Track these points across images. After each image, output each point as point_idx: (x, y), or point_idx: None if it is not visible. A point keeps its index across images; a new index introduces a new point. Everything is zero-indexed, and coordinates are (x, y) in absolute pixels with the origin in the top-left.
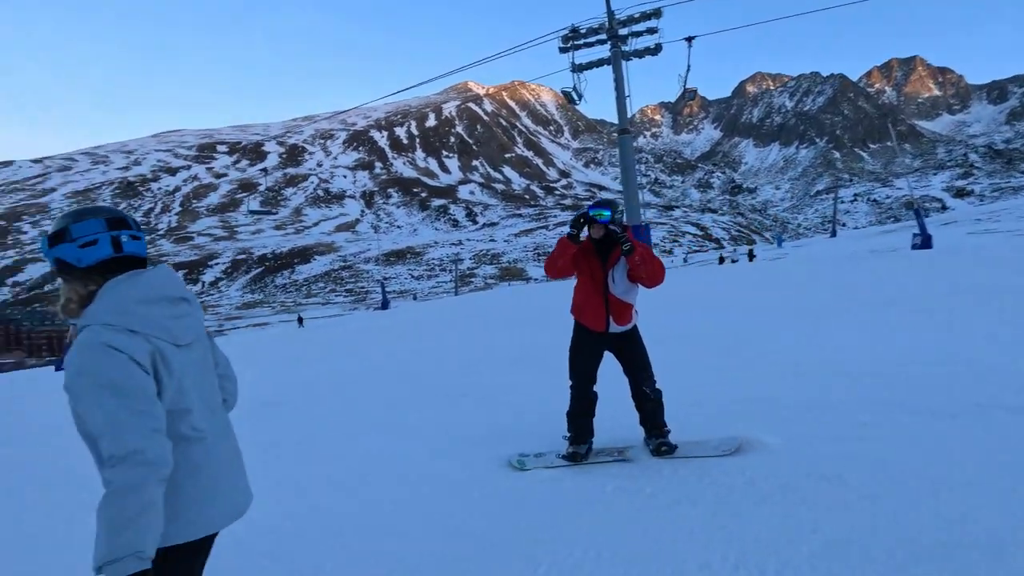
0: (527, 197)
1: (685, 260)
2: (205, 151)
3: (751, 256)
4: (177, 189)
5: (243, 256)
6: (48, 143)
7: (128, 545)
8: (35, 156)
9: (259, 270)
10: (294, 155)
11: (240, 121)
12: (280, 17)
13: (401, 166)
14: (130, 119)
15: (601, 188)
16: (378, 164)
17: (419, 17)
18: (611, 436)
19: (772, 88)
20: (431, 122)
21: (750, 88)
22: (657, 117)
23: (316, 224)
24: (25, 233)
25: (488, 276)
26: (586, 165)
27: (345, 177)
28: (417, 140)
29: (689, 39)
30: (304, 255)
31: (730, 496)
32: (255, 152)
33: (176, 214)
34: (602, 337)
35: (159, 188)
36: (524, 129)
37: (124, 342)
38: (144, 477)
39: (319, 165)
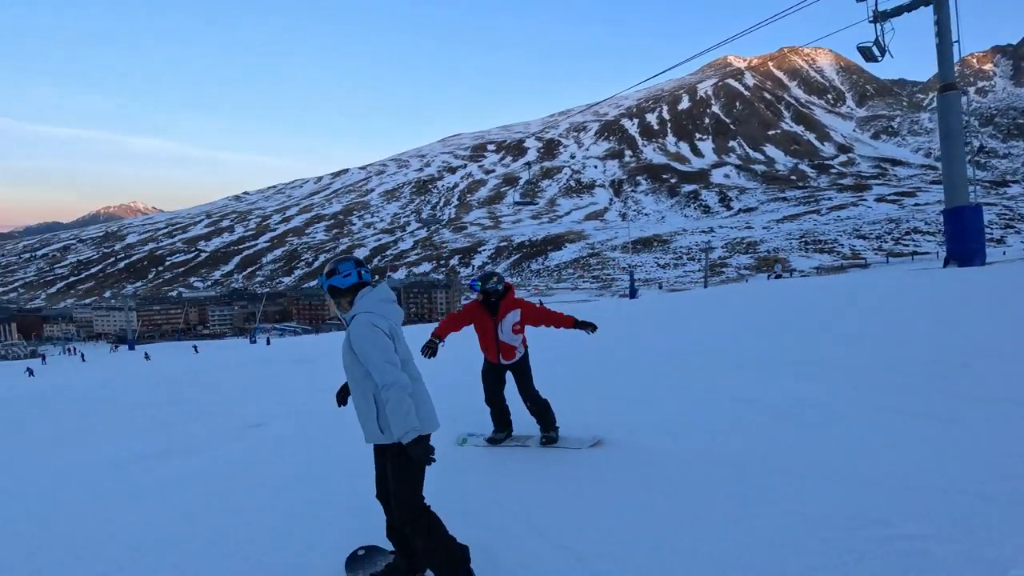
0: (793, 178)
1: None
2: (478, 151)
3: None
4: (456, 186)
5: (505, 243)
6: (371, 152)
7: (410, 423)
8: (361, 164)
9: (518, 256)
10: (550, 149)
11: (506, 122)
12: (537, 22)
13: (651, 153)
14: (423, 127)
15: (896, 163)
16: (627, 152)
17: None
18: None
19: None
20: (684, 104)
21: None
22: (988, 67)
23: (568, 213)
24: (354, 225)
25: (742, 267)
26: (875, 136)
27: (595, 167)
28: (668, 125)
29: None
30: (556, 242)
31: (576, 469)
32: (517, 149)
33: (455, 207)
34: (498, 366)
35: (443, 185)
36: (793, 101)
37: (379, 320)
38: (404, 391)
39: (572, 157)
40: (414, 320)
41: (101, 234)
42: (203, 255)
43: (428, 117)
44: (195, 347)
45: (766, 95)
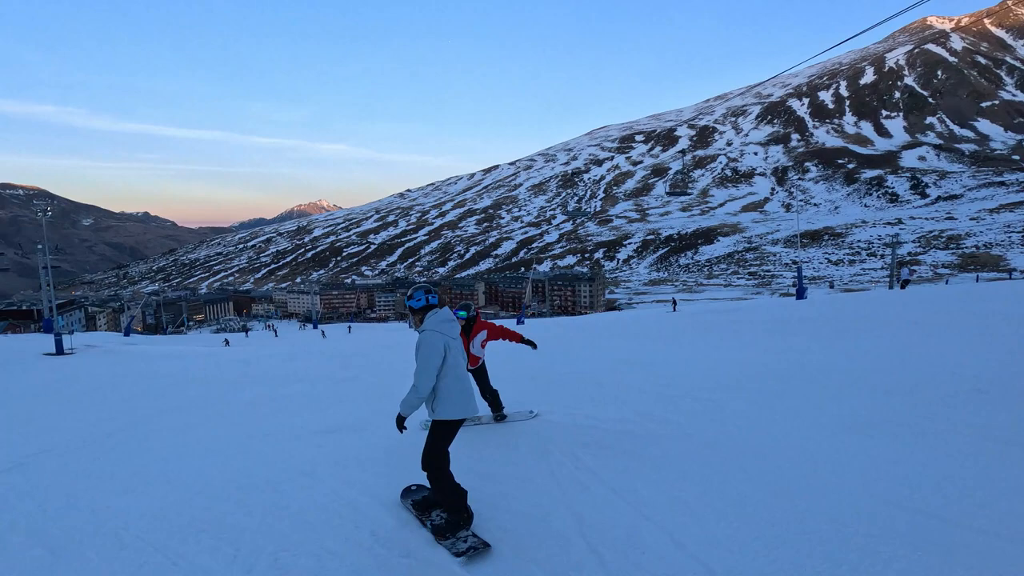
0: (1016, 158)
1: None
2: (625, 142)
3: None
4: (602, 178)
5: (651, 236)
6: (520, 148)
7: (407, 409)
8: (510, 160)
9: (665, 250)
10: (704, 136)
11: (656, 111)
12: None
13: (823, 135)
14: (571, 122)
15: None
16: (795, 136)
17: None
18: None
19: None
20: (867, 78)
21: None
22: None
23: (722, 205)
24: (503, 218)
25: (940, 264)
26: None
27: (756, 154)
28: (846, 102)
29: None
30: (708, 236)
31: (519, 436)
32: (667, 138)
33: (601, 199)
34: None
35: (589, 178)
36: (1019, 64)
37: (436, 338)
38: (418, 394)
39: (728, 144)
40: (557, 312)
41: (294, 228)
42: (372, 247)
43: (575, 111)
44: (349, 327)
45: (980, 59)
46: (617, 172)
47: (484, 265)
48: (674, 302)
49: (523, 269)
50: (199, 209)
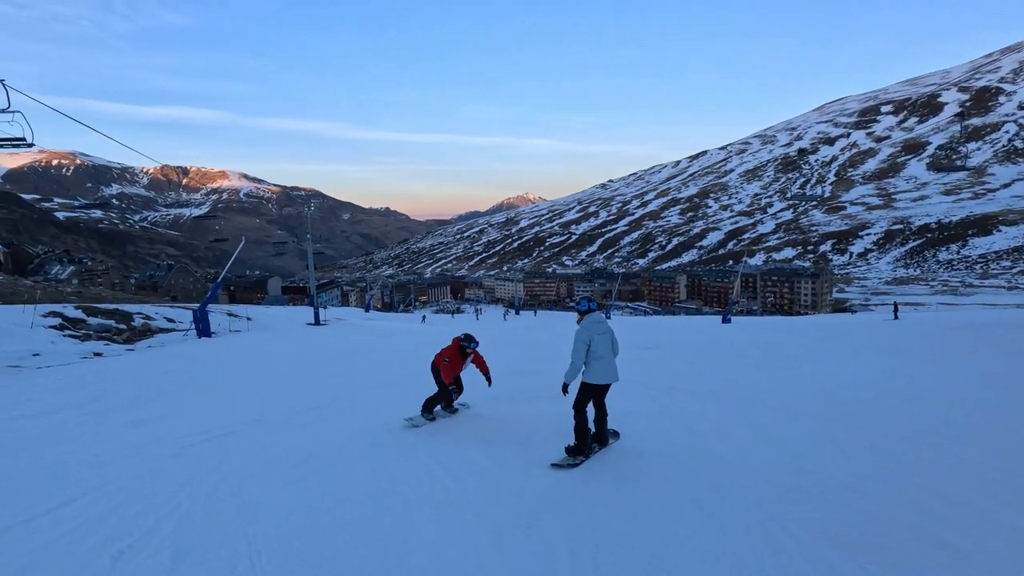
0: None
1: None
2: (867, 115)
3: None
4: (834, 159)
5: (899, 226)
6: (732, 131)
7: (568, 378)
8: (721, 144)
9: (918, 242)
10: (982, 100)
11: (911, 74)
12: None
13: None
14: (794, 98)
15: None
16: None
17: None
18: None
19: None
20: None
21: None
22: None
23: (1006, 186)
24: (710, 207)
25: None
26: None
27: None
28: None
29: None
30: (983, 224)
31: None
32: (926, 106)
33: (830, 184)
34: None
35: (816, 160)
36: None
37: (584, 334)
38: (574, 367)
39: (1020, 108)
40: (770, 311)
41: (503, 220)
42: (573, 237)
43: (799, 85)
44: (534, 311)
45: None
46: (854, 151)
47: (687, 257)
48: (895, 308)
49: (731, 262)
50: (427, 203)
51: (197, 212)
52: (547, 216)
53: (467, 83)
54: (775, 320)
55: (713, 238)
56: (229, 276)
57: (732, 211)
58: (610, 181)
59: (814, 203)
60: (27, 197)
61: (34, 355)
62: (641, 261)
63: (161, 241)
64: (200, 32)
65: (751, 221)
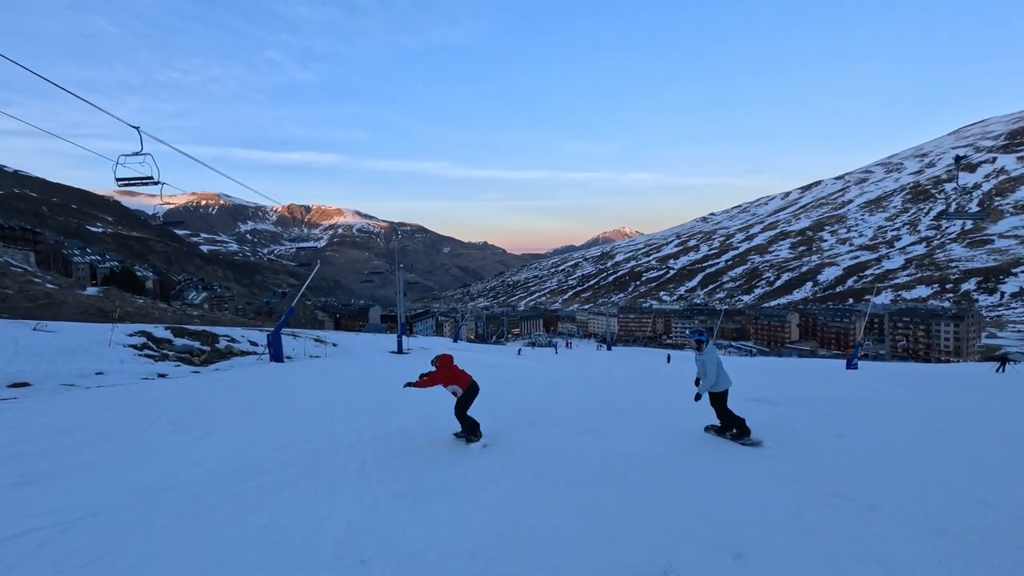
0: None
1: None
2: (1016, 138)
3: None
4: (976, 187)
5: None
6: (849, 160)
7: (704, 388)
8: (837, 174)
9: None
10: None
11: None
12: None
13: None
14: (926, 122)
15: None
16: None
17: None
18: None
19: None
20: None
21: None
22: None
23: None
24: (825, 241)
25: None
26: None
27: None
28: None
29: None
30: None
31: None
32: None
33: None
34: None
35: (953, 188)
36: None
37: (716, 352)
38: (708, 381)
39: None
40: (901, 357)
41: (598, 254)
42: (671, 272)
43: (931, 109)
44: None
45: None
46: (1002, 177)
47: (798, 294)
48: (1003, 360)
49: (851, 300)
50: (523, 238)
51: (316, 245)
52: (644, 250)
53: (568, 122)
54: (914, 368)
55: (829, 274)
56: (336, 304)
57: (851, 245)
58: (711, 214)
59: (983, 218)
60: (180, 232)
61: (97, 373)
62: (746, 298)
63: (284, 272)
64: (325, 86)
65: (875, 256)
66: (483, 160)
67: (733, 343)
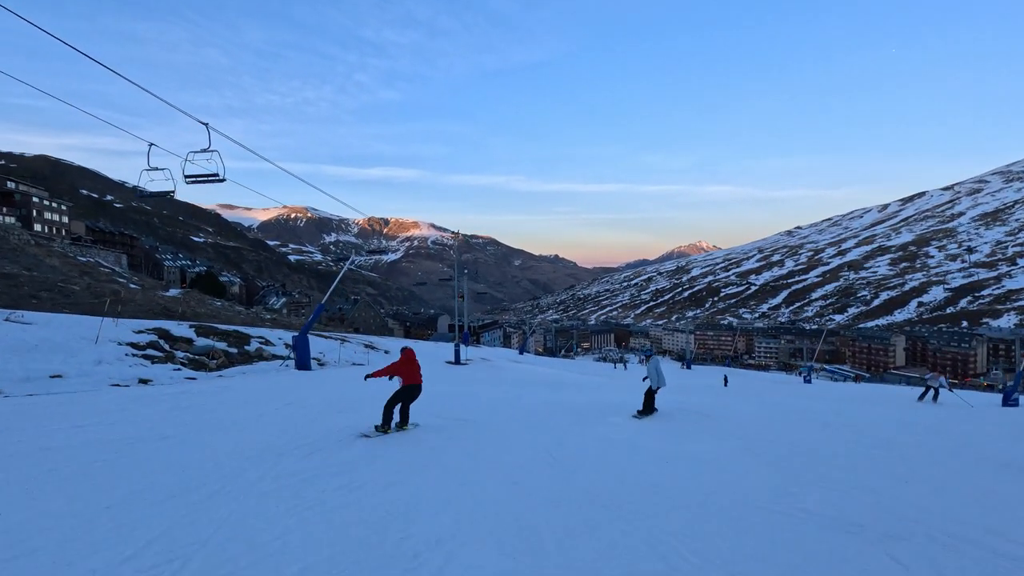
0: None
1: None
2: None
3: None
4: None
5: None
6: (958, 170)
7: (654, 383)
8: (946, 184)
9: None
10: None
11: None
12: None
13: None
14: None
15: None
16: None
17: None
18: None
19: None
20: None
21: None
22: None
23: None
24: (932, 257)
25: None
26: None
27: None
28: None
29: None
30: None
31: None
32: None
33: None
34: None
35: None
36: None
37: (657, 362)
38: (653, 380)
39: None
40: None
41: (673, 268)
42: (753, 288)
43: None
44: (689, 365)
45: None
46: None
47: (900, 316)
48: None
49: (965, 323)
50: (594, 251)
51: (394, 257)
52: (722, 264)
53: (644, 134)
54: None
55: (936, 293)
56: (407, 312)
57: (965, 261)
58: (797, 228)
59: None
60: (271, 243)
61: (53, 376)
62: (838, 317)
63: (363, 281)
64: (406, 104)
65: (992, 274)
66: (556, 173)
67: (827, 366)
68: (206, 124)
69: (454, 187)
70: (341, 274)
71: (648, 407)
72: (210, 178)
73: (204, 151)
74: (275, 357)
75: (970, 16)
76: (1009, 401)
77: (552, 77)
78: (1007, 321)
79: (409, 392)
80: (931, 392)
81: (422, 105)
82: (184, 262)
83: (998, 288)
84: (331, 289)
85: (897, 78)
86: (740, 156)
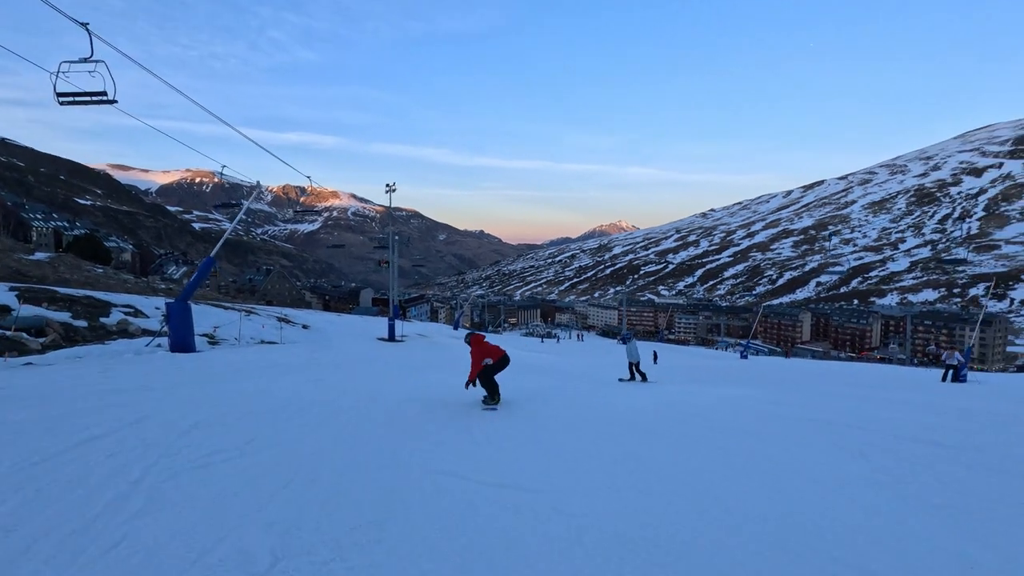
0: None
1: None
2: (1023, 144)
3: None
4: (982, 192)
5: None
6: (851, 160)
7: (633, 357)
8: (840, 174)
9: None
10: None
11: None
12: None
13: None
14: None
15: None
16: None
17: None
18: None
19: None
20: None
21: None
22: None
23: None
24: (828, 241)
25: None
26: None
27: None
28: None
29: None
30: None
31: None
32: None
33: (978, 220)
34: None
35: (958, 192)
36: None
37: (635, 343)
38: (632, 356)
39: None
40: (922, 362)
41: (596, 246)
42: (670, 266)
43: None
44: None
45: None
46: (1008, 183)
47: (801, 294)
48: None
49: (856, 301)
50: (519, 228)
51: (310, 228)
52: (642, 244)
53: (570, 113)
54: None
55: (833, 274)
56: (326, 285)
57: (856, 245)
58: (712, 210)
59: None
60: (172, 209)
61: None
62: (748, 295)
63: (277, 252)
64: (328, 67)
65: (879, 257)
66: (481, 148)
67: (741, 341)
68: (86, 25)
69: (377, 157)
70: (237, 219)
71: (637, 375)
72: (95, 97)
73: (85, 60)
74: (146, 333)
75: (864, 17)
76: (959, 378)
77: (478, 48)
78: (891, 300)
79: (503, 363)
80: (950, 372)
81: (344, 69)
82: (60, 223)
83: (883, 270)
84: (221, 241)
85: (800, 70)
86: (662, 139)
